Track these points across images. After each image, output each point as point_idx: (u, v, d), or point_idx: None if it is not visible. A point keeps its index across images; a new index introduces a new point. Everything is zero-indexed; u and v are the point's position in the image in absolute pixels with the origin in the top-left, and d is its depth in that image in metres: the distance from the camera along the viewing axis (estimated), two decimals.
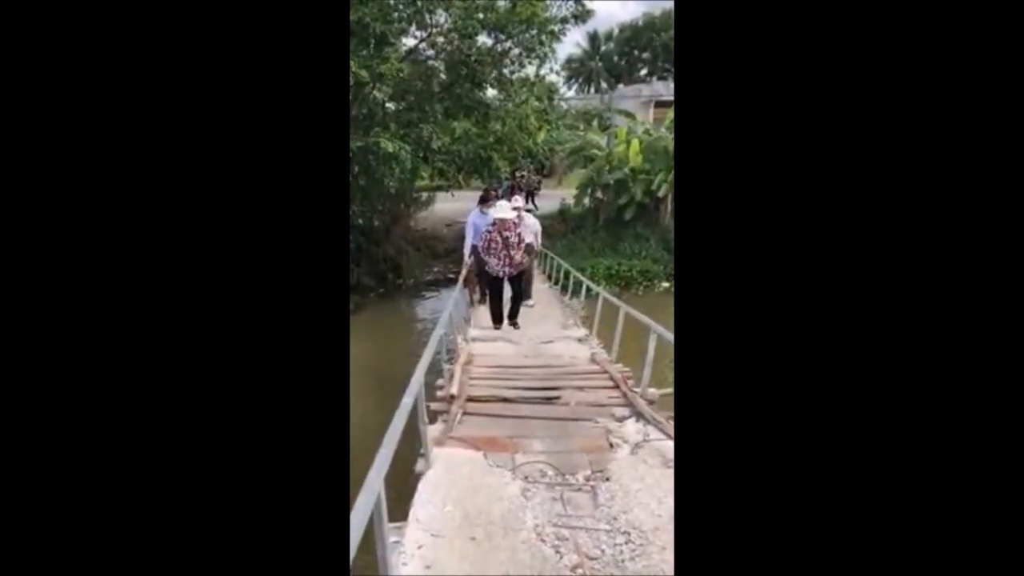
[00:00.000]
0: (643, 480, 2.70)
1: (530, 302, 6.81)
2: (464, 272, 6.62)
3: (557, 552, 2.15)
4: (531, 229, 6.48)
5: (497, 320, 5.85)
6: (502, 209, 5.63)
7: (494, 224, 5.54)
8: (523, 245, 5.58)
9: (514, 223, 5.59)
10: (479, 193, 7.36)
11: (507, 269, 5.55)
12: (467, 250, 6.57)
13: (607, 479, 2.71)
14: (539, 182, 17.23)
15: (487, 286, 5.95)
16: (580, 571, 2.05)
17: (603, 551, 2.17)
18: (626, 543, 2.21)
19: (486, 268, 5.67)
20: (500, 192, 8.26)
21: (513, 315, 5.96)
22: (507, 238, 5.46)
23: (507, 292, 5.90)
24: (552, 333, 5.90)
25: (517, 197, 7.76)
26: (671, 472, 2.78)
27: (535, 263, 7.55)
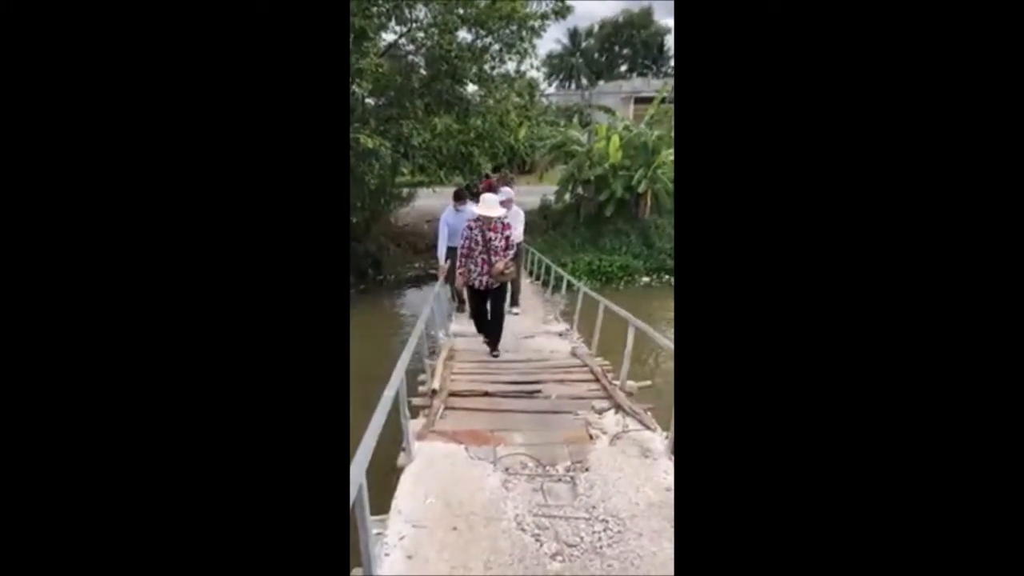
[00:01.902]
0: (621, 470, 2.76)
1: (516, 310, 6.27)
2: (444, 270, 6.11)
3: (537, 540, 2.20)
4: (517, 232, 5.69)
5: (481, 331, 4.90)
6: (488, 204, 4.45)
7: (477, 221, 4.49)
8: (509, 252, 4.52)
9: (501, 224, 4.48)
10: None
11: (484, 279, 4.51)
12: (441, 253, 5.82)
13: (586, 469, 2.77)
14: (512, 179, 17.20)
15: (468, 296, 4.97)
16: (559, 558, 2.10)
17: (582, 538, 2.22)
18: (604, 530, 2.27)
19: (460, 273, 4.68)
20: (479, 189, 7.80)
21: (492, 341, 4.83)
22: (490, 240, 4.44)
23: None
24: (533, 328, 5.95)
25: (506, 188, 6.46)
26: (649, 461, 2.85)
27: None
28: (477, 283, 4.55)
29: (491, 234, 4.45)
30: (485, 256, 4.46)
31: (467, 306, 5.30)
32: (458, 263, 4.66)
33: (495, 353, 4.80)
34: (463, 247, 4.58)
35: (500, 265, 4.44)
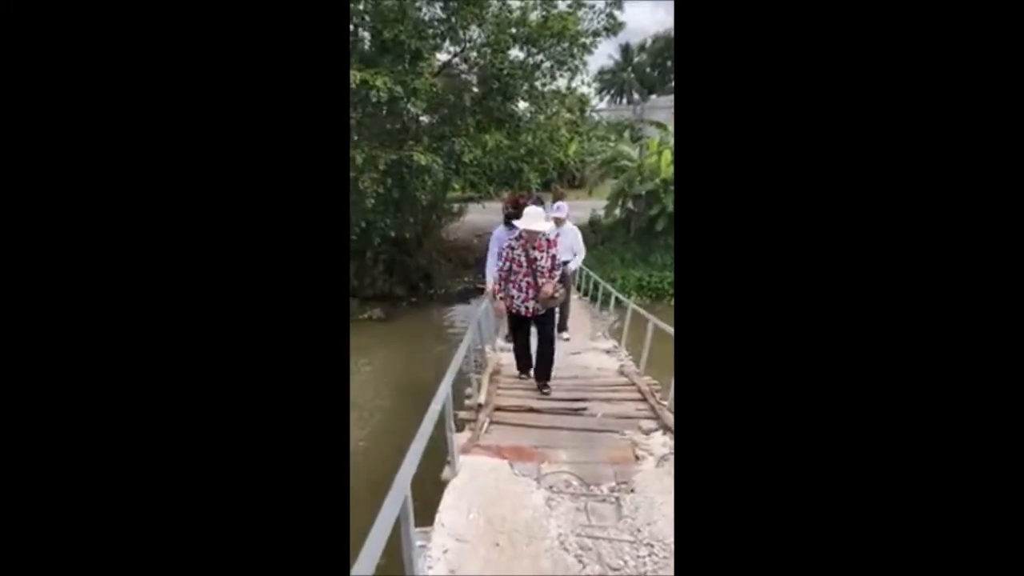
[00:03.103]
0: (668, 492, 2.68)
1: (566, 335, 5.87)
2: (491, 286, 5.44)
3: (580, 561, 2.17)
4: (569, 246, 5.35)
5: (524, 367, 4.35)
6: (532, 218, 3.81)
7: (519, 239, 3.86)
8: (556, 273, 3.92)
9: (548, 240, 3.89)
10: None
11: (530, 304, 3.91)
12: (489, 275, 4.95)
13: (632, 491, 2.72)
14: (562, 194, 17.08)
15: (511, 324, 4.28)
16: None
17: (625, 562, 2.18)
18: (649, 555, 2.22)
19: (500, 298, 4.06)
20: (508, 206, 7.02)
21: (540, 372, 4.14)
22: (535, 259, 3.83)
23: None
24: (581, 345, 5.91)
25: (561, 204, 5.98)
26: None
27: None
28: (523, 310, 3.94)
29: (536, 253, 3.84)
30: (531, 279, 3.86)
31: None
32: (496, 286, 4.10)
33: (545, 390, 4.10)
34: (502, 268, 3.96)
35: (549, 288, 3.83)
